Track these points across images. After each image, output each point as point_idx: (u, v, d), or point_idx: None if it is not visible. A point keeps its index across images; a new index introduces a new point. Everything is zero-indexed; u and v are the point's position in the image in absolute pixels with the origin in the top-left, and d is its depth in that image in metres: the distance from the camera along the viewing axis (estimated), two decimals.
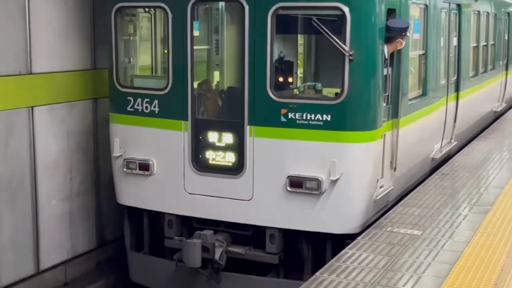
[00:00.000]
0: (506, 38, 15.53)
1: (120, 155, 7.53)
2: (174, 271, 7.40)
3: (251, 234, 7.14)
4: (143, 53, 8.05)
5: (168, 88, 7.24)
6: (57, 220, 7.93)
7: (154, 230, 7.76)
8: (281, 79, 7.38)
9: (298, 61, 8.30)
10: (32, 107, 7.42)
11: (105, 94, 7.98)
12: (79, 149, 8.17)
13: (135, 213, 7.83)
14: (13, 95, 7.14)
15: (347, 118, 6.64)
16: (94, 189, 8.47)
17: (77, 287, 8.05)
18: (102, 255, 8.65)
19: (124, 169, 7.51)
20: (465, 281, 5.39)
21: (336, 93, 6.71)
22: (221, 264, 7.03)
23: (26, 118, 7.37)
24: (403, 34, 7.17)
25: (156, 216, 7.65)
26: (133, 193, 7.60)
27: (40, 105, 7.53)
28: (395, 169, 7.60)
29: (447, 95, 10.04)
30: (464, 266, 5.74)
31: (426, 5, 8.61)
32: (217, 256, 6.95)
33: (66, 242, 8.08)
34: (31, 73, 7.37)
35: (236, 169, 7.03)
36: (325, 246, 6.93)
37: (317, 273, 5.57)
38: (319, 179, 6.61)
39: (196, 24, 7.34)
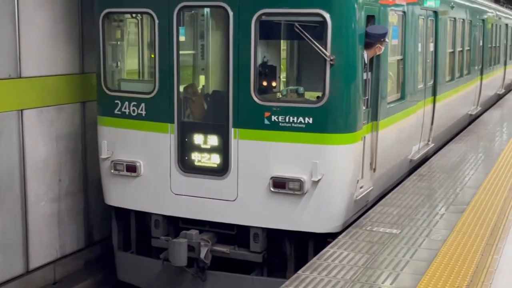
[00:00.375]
0: (481, 44, 15.63)
1: (108, 157, 7.53)
2: (160, 270, 7.41)
3: (236, 234, 7.17)
4: (130, 57, 8.05)
5: (155, 92, 7.26)
6: (46, 220, 7.93)
7: (141, 230, 7.76)
8: (264, 83, 7.42)
9: (281, 66, 8.33)
10: (21, 110, 7.42)
11: (93, 98, 7.98)
12: (68, 151, 8.18)
13: (123, 214, 7.83)
14: (2, 99, 7.14)
15: (328, 120, 6.68)
16: (82, 190, 8.48)
17: (65, 286, 8.03)
18: (90, 254, 8.65)
19: (112, 171, 7.51)
20: (442, 278, 5.47)
21: (318, 97, 6.75)
22: (206, 263, 7.06)
23: (15, 121, 7.37)
24: (382, 40, 7.24)
25: (143, 217, 7.66)
26: (120, 194, 7.60)
27: (29, 108, 7.53)
28: (374, 170, 7.66)
29: (425, 99, 10.12)
30: (441, 263, 5.81)
31: (404, 12, 8.67)
32: (202, 255, 6.98)
33: (55, 242, 8.08)
34: (20, 77, 7.37)
35: (221, 171, 7.06)
36: (307, 245, 6.97)
37: (300, 271, 5.61)
38: (302, 180, 6.66)
39: (182, 30, 7.36)
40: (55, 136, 7.94)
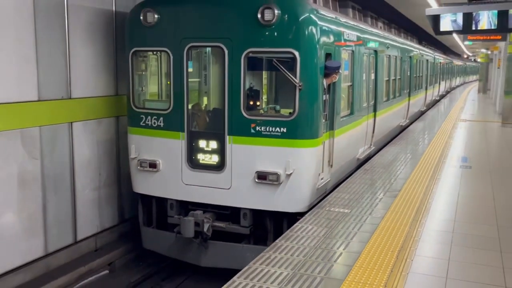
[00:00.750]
0: (409, 74, 15.81)
1: (135, 157, 7.51)
2: (174, 240, 7.40)
3: (230, 213, 7.16)
4: (152, 83, 8.03)
5: (170, 109, 7.25)
6: (89, 204, 7.89)
7: (160, 211, 7.73)
8: (251, 102, 7.41)
9: (263, 90, 8.34)
10: (71, 122, 7.39)
11: (124, 113, 7.96)
12: (105, 153, 8.14)
13: (146, 199, 7.79)
14: (57, 114, 7.12)
15: (298, 130, 6.69)
16: (116, 181, 8.43)
17: (104, 253, 7.99)
18: (122, 229, 8.61)
19: (138, 167, 7.48)
20: (380, 245, 5.53)
21: (290, 113, 6.76)
22: (208, 235, 7.06)
23: (67, 130, 7.33)
24: (337, 71, 7.29)
25: (161, 201, 7.62)
26: (144, 184, 7.57)
27: (77, 121, 7.50)
28: (331, 166, 7.69)
29: (368, 114, 10.19)
30: (380, 234, 5.87)
31: (352, 51, 8.74)
32: (205, 229, 6.98)
33: (96, 220, 8.05)
34: (70, 98, 7.34)
35: (219, 167, 7.06)
36: (282, 221, 6.98)
37: (277, 240, 5.66)
38: (278, 173, 6.68)
39: (190, 63, 7.34)
40: (96, 142, 7.91)
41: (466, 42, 26.10)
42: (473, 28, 9.95)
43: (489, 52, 35.07)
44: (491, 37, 19.64)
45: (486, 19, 9.78)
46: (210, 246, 7.18)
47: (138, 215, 7.95)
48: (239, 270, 4.83)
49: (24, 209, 6.71)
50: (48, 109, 6.93)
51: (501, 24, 9.61)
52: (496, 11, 9.64)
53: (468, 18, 9.91)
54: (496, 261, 5.19)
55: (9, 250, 6.54)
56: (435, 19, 10.37)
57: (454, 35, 15.63)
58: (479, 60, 44.87)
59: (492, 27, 9.81)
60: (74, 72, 7.37)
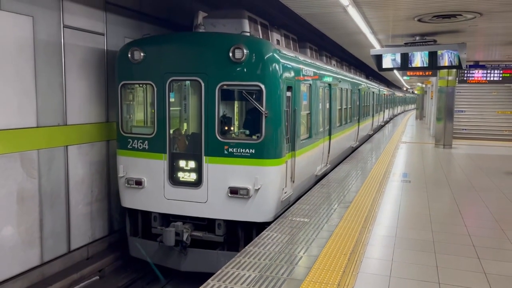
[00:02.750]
0: (358, 104, 16.09)
1: (123, 175, 7.36)
2: (157, 248, 7.24)
3: (206, 224, 7.07)
4: (138, 112, 7.94)
5: (154, 133, 7.16)
6: (83, 217, 7.65)
7: (145, 223, 7.56)
8: (225, 127, 7.41)
9: (235, 117, 8.35)
10: (67, 146, 7.20)
11: (114, 137, 7.81)
12: (97, 172, 7.93)
13: (133, 212, 7.61)
14: (54, 138, 6.93)
15: (264, 151, 6.69)
16: (106, 197, 8.21)
17: (95, 260, 7.73)
18: (112, 239, 8.35)
19: (126, 184, 7.34)
20: (335, 249, 5.52)
21: (257, 136, 6.77)
22: (187, 243, 6.94)
23: (62, 152, 7.13)
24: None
25: (146, 214, 7.46)
26: (131, 199, 7.41)
27: (72, 145, 7.31)
28: (293, 181, 7.70)
29: (324, 137, 10.28)
30: (334, 239, 5.87)
31: (310, 84, 8.87)
32: (184, 238, 6.87)
33: (88, 231, 7.79)
34: (66, 125, 7.17)
35: (197, 183, 6.98)
36: (252, 230, 6.93)
37: (246, 247, 5.59)
38: (248, 188, 6.65)
39: (172, 94, 7.30)
40: (89, 163, 7.71)
41: (405, 77, 26.86)
42: (409, 65, 10.25)
43: (424, 86, 36.14)
44: (425, 73, 20.30)
45: (419, 58, 10.10)
46: (189, 253, 7.04)
47: (125, 226, 7.75)
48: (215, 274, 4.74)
49: (22, 222, 6.46)
50: (46, 134, 6.74)
51: (431, 62, 9.95)
52: (427, 52, 9.98)
53: (405, 58, 10.21)
54: (431, 261, 5.25)
55: (8, 259, 6.27)
56: (378, 58, 10.65)
57: (395, 71, 16.01)
58: (416, 92, 46.17)
59: (425, 65, 10.13)
60: (70, 101, 7.21)
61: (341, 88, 12.61)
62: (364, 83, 18.22)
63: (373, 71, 22.50)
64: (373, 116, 21.45)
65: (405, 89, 59.19)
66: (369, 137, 20.79)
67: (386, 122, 32.00)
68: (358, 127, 16.27)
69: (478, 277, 4.79)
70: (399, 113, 50.70)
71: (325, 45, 13.79)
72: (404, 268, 5.03)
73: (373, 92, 21.45)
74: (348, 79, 14.12)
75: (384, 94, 28.29)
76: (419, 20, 8.74)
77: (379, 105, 24.79)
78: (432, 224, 6.76)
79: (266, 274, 4.69)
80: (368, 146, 17.14)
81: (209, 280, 4.54)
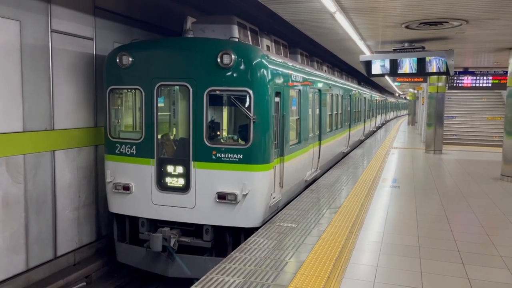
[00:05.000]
0: (349, 109, 16.15)
1: (111, 181, 7.33)
2: (145, 254, 7.19)
3: (194, 229, 7.04)
4: (126, 116, 7.92)
5: (142, 138, 7.15)
6: (69, 222, 7.59)
7: (132, 228, 7.52)
8: (213, 133, 7.42)
9: (223, 122, 8.36)
10: (54, 150, 7.16)
11: (102, 142, 7.78)
12: (85, 177, 7.89)
13: (120, 218, 7.57)
14: (41, 143, 6.89)
15: (252, 156, 6.70)
16: (94, 202, 8.16)
17: (82, 266, 7.67)
18: (99, 245, 8.29)
19: (113, 190, 7.30)
20: (321, 254, 5.53)
21: (245, 142, 6.77)
22: (174, 249, 6.91)
23: (49, 157, 7.09)
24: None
25: (133, 219, 7.43)
26: (119, 204, 7.37)
27: (59, 149, 7.27)
28: (282, 187, 7.70)
29: (314, 142, 10.31)
30: (320, 245, 5.88)
31: (300, 90, 8.90)
32: (172, 244, 6.84)
33: (75, 237, 7.73)
34: (53, 129, 7.13)
35: (185, 189, 6.96)
36: (240, 236, 6.91)
37: (232, 253, 5.58)
38: (236, 193, 6.64)
39: (160, 99, 7.31)
40: (76, 167, 7.67)
41: (396, 83, 27.08)
42: (398, 71, 10.34)
43: (415, 91, 36.43)
44: (415, 79, 20.46)
45: (408, 64, 10.20)
46: (176, 259, 7.01)
47: (113, 232, 7.70)
48: None
49: (7, 228, 6.40)
50: (32, 139, 6.70)
51: (419, 68, 10.05)
52: (415, 58, 10.08)
53: (394, 64, 10.31)
54: (416, 267, 5.27)
55: None
56: (368, 64, 10.73)
57: (386, 77, 16.13)
58: (408, 97, 46.51)
59: (413, 71, 10.24)
60: (57, 106, 7.18)
61: (332, 94, 12.66)
62: (355, 89, 18.30)
63: (365, 77, 22.59)
64: (364, 121, 21.55)
65: (397, 94, 59.57)
66: (360, 142, 20.88)
67: (379, 128, 32.14)
68: (349, 133, 16.33)
69: (462, 283, 4.82)
70: (392, 119, 50.99)
71: (317, 51, 13.86)
72: (389, 274, 5.04)
73: (365, 98, 21.56)
74: (339, 84, 14.18)
75: (376, 99, 28.43)
76: (407, 27, 8.83)
77: (371, 111, 24.91)
78: (418, 229, 6.80)
79: (251, 280, 4.69)
80: (359, 151, 17.20)
81: (192, 287, 4.52)
